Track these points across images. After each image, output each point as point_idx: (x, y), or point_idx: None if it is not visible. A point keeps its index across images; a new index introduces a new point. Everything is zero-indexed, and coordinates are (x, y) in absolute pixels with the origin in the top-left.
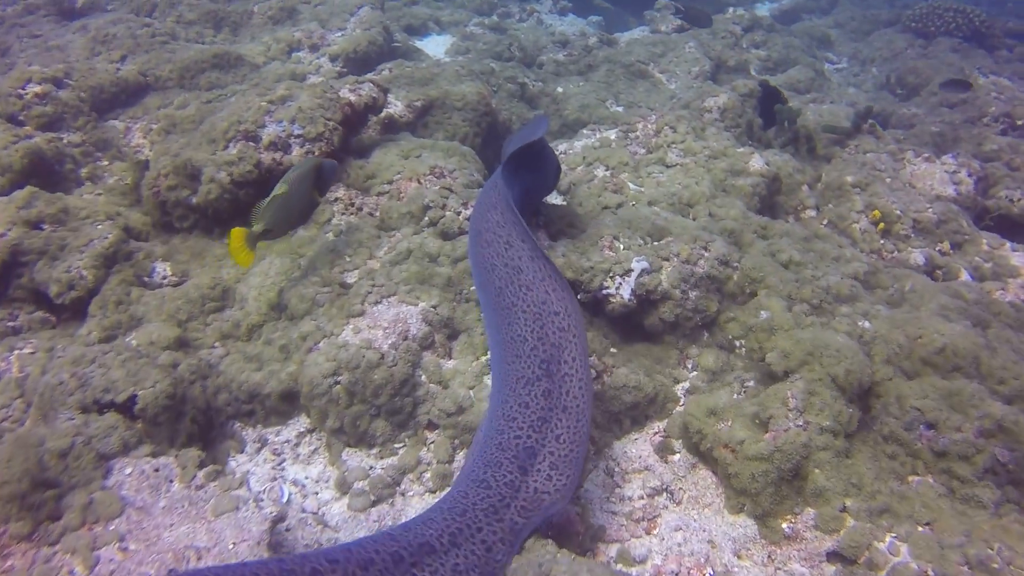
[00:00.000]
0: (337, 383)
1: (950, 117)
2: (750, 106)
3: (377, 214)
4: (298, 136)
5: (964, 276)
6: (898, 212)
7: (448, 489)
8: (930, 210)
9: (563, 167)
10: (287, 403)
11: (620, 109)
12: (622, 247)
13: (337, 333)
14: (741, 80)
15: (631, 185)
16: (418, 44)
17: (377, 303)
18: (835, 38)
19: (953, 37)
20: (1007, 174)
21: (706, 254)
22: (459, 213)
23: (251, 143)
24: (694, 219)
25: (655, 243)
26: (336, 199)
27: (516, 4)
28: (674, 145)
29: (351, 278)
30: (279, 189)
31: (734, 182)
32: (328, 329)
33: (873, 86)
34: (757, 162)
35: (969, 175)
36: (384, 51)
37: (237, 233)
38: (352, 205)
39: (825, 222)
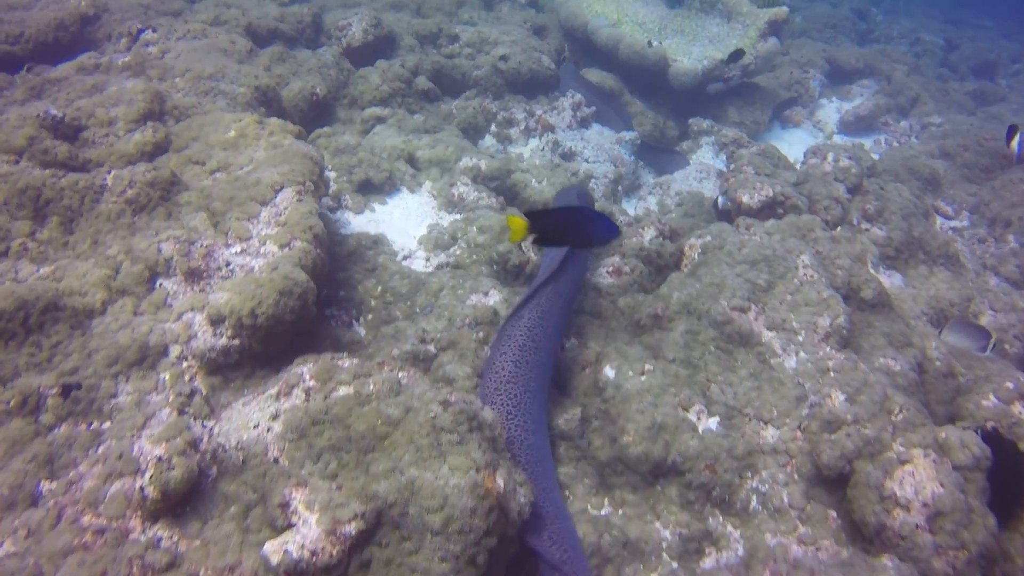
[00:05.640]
0: None
1: None
2: (977, 493)
3: None
4: None
5: None
6: None
7: None
8: None
9: None
10: None
11: (714, 426)
12: None
13: None
14: (955, 434)
15: None
16: (380, 215)
17: None
18: (944, 175)
19: None
20: None
21: None
22: None
23: None
24: None
25: None
26: None
27: (521, 107)
28: None
29: None
30: None
31: None
32: None
33: (1020, 270)
34: None
35: None
36: (306, 300)
37: None
38: None
39: None
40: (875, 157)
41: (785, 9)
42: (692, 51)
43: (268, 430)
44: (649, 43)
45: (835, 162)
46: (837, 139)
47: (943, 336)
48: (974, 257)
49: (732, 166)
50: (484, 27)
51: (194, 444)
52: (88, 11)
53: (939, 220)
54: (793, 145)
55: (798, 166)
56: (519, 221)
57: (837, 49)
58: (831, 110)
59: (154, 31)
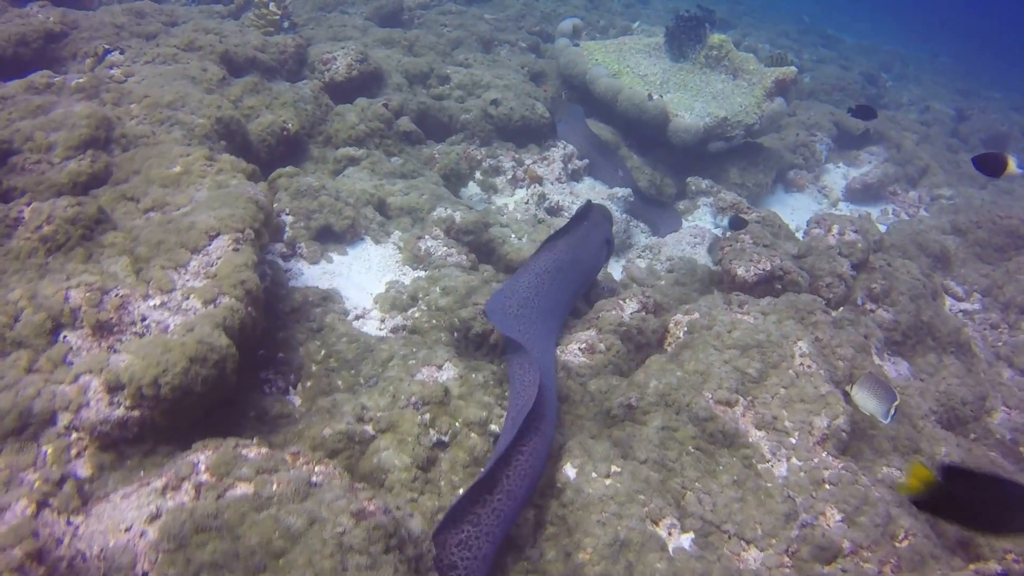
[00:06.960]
0: None
1: None
2: None
3: None
4: None
5: None
6: None
7: None
8: None
9: None
10: None
11: (687, 544)
12: None
13: None
14: None
15: None
16: (338, 266)
17: None
18: (955, 253)
19: None
20: None
21: None
22: None
23: None
24: None
25: None
26: None
27: (510, 156)
28: None
29: None
30: None
31: None
32: None
33: None
34: None
35: None
36: (224, 368)
37: None
38: None
39: None
40: (882, 228)
41: (793, 69)
42: (694, 107)
43: (141, 535)
44: (649, 96)
45: (840, 235)
46: (843, 207)
47: (852, 393)
48: (986, 345)
49: (728, 233)
50: (478, 69)
51: (39, 555)
52: (55, 28)
53: (948, 301)
54: (796, 211)
55: (800, 235)
56: (924, 472)
57: (846, 113)
58: (837, 176)
59: (122, 52)
